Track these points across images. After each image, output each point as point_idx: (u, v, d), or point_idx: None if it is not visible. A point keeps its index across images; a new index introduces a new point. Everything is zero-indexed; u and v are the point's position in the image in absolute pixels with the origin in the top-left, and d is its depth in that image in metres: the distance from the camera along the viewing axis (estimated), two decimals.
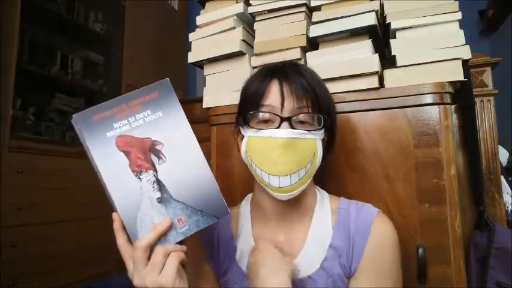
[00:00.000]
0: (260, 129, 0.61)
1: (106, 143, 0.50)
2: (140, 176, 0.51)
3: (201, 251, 0.69)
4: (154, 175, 0.51)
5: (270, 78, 0.62)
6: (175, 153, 0.52)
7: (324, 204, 0.68)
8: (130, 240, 0.50)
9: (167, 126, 0.52)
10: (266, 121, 0.61)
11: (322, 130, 0.63)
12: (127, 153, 0.51)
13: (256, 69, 0.70)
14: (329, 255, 0.61)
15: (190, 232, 0.52)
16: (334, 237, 0.63)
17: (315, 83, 0.62)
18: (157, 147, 0.52)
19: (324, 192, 0.71)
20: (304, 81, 0.61)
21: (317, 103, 0.61)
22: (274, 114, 0.60)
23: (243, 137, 0.65)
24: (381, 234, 0.61)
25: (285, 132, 0.58)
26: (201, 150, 0.53)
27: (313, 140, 0.61)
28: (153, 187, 0.51)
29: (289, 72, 0.62)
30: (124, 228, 0.50)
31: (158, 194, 0.51)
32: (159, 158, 0.52)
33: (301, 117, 0.60)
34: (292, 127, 0.59)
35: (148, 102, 0.52)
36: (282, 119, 0.59)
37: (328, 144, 0.67)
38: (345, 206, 0.66)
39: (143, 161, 0.51)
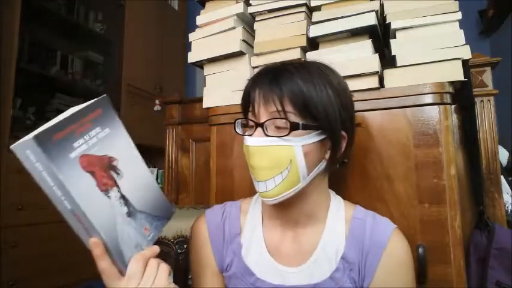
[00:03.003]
0: (243, 135, 0.63)
1: (71, 165, 0.46)
2: (108, 195, 0.50)
3: (208, 245, 0.69)
4: (118, 191, 0.51)
5: (253, 82, 0.63)
6: (128, 167, 0.53)
7: (338, 212, 0.66)
8: (113, 261, 0.49)
9: (116, 141, 0.53)
10: (252, 127, 0.62)
11: (307, 136, 0.58)
12: (92, 173, 0.48)
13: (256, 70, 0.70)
14: (340, 266, 0.60)
15: (155, 238, 0.55)
16: (346, 249, 0.61)
17: (296, 86, 0.57)
18: (113, 163, 0.51)
19: (339, 198, 0.69)
20: (276, 85, 0.57)
21: (294, 108, 0.57)
22: (252, 120, 0.61)
23: None
24: (396, 253, 0.60)
25: (253, 140, 0.59)
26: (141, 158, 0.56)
27: (287, 147, 0.57)
28: (120, 203, 0.51)
29: (267, 75, 0.61)
30: (106, 251, 0.49)
31: (126, 209, 0.51)
32: (117, 173, 0.52)
33: (277, 122, 0.58)
34: (265, 133, 0.59)
35: (96, 119, 0.51)
36: (257, 125, 0.60)
37: (334, 153, 0.62)
38: (360, 216, 0.65)
39: (107, 178, 0.50)
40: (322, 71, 0.62)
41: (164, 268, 0.53)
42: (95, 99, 0.52)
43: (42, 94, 2.23)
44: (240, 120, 0.65)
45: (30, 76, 2.03)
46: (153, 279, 0.50)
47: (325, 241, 0.63)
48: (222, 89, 0.93)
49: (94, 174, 0.48)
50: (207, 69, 0.97)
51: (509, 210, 0.94)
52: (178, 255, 0.92)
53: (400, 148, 0.74)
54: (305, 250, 0.63)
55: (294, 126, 0.57)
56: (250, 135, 0.61)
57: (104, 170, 0.50)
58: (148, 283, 0.50)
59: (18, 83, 1.82)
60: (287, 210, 0.64)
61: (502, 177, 0.90)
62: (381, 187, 0.75)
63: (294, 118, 0.57)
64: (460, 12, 0.75)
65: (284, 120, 0.57)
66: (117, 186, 0.51)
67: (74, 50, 2.45)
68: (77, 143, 0.47)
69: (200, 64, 0.97)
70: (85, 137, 0.48)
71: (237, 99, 0.89)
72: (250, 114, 0.63)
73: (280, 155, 0.58)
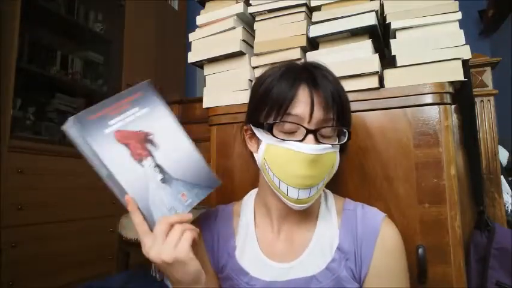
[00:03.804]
0: (283, 139, 0.58)
1: (105, 139, 0.56)
2: (142, 163, 0.58)
3: (202, 246, 0.69)
4: (153, 160, 0.58)
5: (298, 84, 0.58)
6: (166, 140, 0.60)
7: (329, 204, 0.68)
8: (145, 219, 0.56)
9: (154, 118, 0.60)
10: (292, 132, 0.58)
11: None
12: (127, 145, 0.57)
13: (274, 67, 0.65)
14: (336, 257, 0.61)
15: (194, 203, 0.60)
16: (341, 239, 0.62)
17: (341, 90, 0.61)
18: (149, 137, 0.59)
19: (328, 192, 0.70)
20: (333, 88, 0.59)
21: (342, 114, 0.60)
22: (300, 125, 0.57)
23: (252, 135, 0.64)
24: (389, 240, 0.61)
25: (311, 148, 0.56)
26: (185, 132, 0.63)
27: (334, 154, 0.60)
28: (155, 170, 0.58)
29: (318, 78, 0.59)
30: (138, 208, 0.55)
31: (161, 176, 0.58)
32: (153, 145, 0.59)
33: (326, 130, 0.59)
34: (316, 140, 0.57)
35: (135, 100, 0.60)
36: (308, 131, 0.57)
37: (341, 152, 0.65)
38: (351, 207, 0.66)
39: (141, 149, 0.58)
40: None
41: (187, 237, 0.53)
42: (138, 83, 0.61)
43: (42, 94, 2.22)
44: (283, 124, 0.58)
45: (30, 76, 2.02)
46: (174, 245, 0.52)
47: (319, 235, 0.64)
48: (222, 89, 0.93)
49: (129, 146, 0.57)
50: (207, 69, 0.97)
51: (509, 210, 0.94)
52: None
53: (400, 148, 0.74)
54: (299, 245, 0.64)
55: (348, 135, 0.61)
56: (300, 140, 0.57)
57: (139, 143, 0.58)
58: (169, 247, 0.52)
59: (18, 83, 1.82)
60: (292, 210, 0.64)
61: (502, 177, 0.90)
62: (381, 187, 0.75)
63: (341, 125, 0.61)
64: (460, 12, 0.75)
65: (333, 128, 0.59)
66: (152, 156, 0.58)
67: (74, 50, 2.45)
68: (113, 121, 0.57)
69: (200, 64, 0.97)
70: (122, 115, 0.58)
71: (237, 99, 0.89)
72: (291, 117, 0.57)
73: (328, 161, 0.59)
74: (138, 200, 0.56)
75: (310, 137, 0.57)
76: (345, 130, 0.61)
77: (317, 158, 0.57)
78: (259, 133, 0.62)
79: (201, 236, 0.69)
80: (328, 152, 0.58)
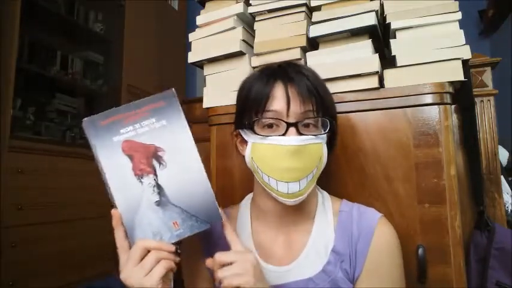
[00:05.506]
0: (266, 135, 0.59)
1: (112, 147, 0.54)
2: (142, 180, 0.54)
3: (199, 251, 0.68)
4: (154, 179, 0.54)
5: (273, 81, 0.60)
6: (176, 160, 0.55)
7: (325, 206, 0.67)
8: (127, 236, 0.53)
9: (170, 134, 0.55)
10: (271, 126, 0.60)
11: (326, 134, 0.62)
12: (131, 157, 0.54)
13: (254, 70, 0.68)
14: (331, 259, 0.61)
15: (184, 235, 0.55)
16: (336, 241, 0.62)
17: (318, 83, 0.61)
18: (159, 153, 0.55)
19: (325, 193, 0.70)
20: (309, 82, 0.60)
21: (322, 105, 0.60)
22: (280, 119, 0.59)
23: (243, 139, 0.65)
24: (384, 240, 0.61)
25: (293, 139, 0.57)
26: (200, 158, 0.56)
27: (319, 145, 0.60)
28: (153, 190, 0.54)
29: (292, 74, 0.60)
30: (122, 224, 0.53)
31: (157, 198, 0.54)
32: (160, 163, 0.55)
33: (307, 121, 0.59)
34: (298, 132, 0.58)
35: (154, 110, 0.55)
36: (288, 125, 0.58)
37: (330, 145, 0.66)
38: (347, 208, 0.66)
39: (145, 165, 0.54)
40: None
41: (161, 267, 0.50)
42: (163, 91, 0.56)
43: (42, 94, 2.22)
44: (263, 120, 0.60)
45: (30, 76, 2.02)
46: (144, 273, 0.50)
47: (315, 236, 0.64)
48: (222, 89, 0.93)
49: (132, 158, 0.54)
50: (207, 69, 0.97)
51: (509, 210, 0.94)
52: (178, 256, 0.91)
53: (400, 148, 0.74)
54: (296, 248, 0.64)
55: (330, 124, 0.61)
56: (282, 134, 0.58)
57: (145, 157, 0.54)
58: (140, 275, 0.50)
59: (18, 83, 1.82)
60: (286, 210, 0.64)
61: (502, 177, 0.90)
62: (381, 187, 0.75)
63: (322, 115, 0.61)
64: (460, 12, 0.75)
65: (315, 119, 0.60)
66: (155, 174, 0.54)
67: (74, 50, 2.45)
68: (125, 129, 0.54)
69: (200, 64, 0.97)
70: (135, 125, 0.55)
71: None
72: (269, 113, 0.59)
73: (314, 152, 0.60)
74: (125, 216, 0.53)
75: (292, 129, 0.58)
76: (327, 120, 0.61)
77: (301, 149, 0.58)
78: (245, 135, 0.63)
79: (199, 245, 0.69)
80: (312, 143, 0.59)
